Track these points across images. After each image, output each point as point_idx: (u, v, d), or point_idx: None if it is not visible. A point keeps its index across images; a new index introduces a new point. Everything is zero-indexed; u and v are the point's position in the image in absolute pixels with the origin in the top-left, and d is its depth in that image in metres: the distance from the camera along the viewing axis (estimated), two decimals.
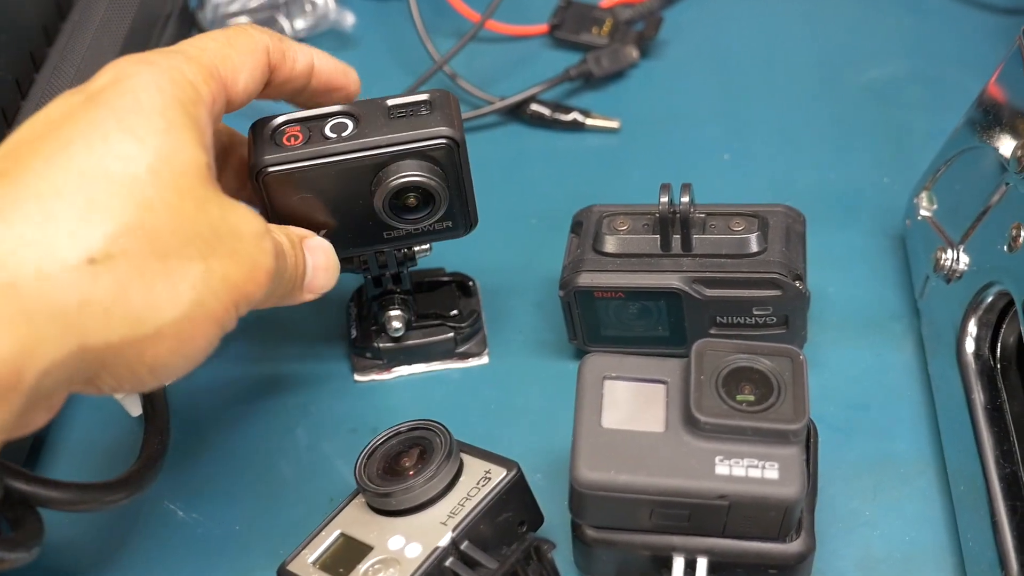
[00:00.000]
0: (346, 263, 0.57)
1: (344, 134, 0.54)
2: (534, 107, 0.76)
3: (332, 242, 0.54)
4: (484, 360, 0.64)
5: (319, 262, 0.52)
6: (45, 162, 0.42)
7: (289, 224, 0.53)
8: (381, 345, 0.63)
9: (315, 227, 0.54)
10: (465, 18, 0.79)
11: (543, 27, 0.81)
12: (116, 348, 0.42)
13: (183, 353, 0.44)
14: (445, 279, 0.65)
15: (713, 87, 0.79)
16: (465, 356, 0.64)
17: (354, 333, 0.64)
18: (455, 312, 0.63)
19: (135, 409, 0.58)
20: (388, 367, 0.64)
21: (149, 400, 0.57)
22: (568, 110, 0.76)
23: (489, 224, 0.68)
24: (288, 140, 0.53)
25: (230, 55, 0.50)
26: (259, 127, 0.54)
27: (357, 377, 0.64)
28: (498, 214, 0.70)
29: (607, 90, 0.79)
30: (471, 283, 0.65)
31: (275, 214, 0.54)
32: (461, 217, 0.58)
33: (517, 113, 0.77)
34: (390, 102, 0.55)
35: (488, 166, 0.74)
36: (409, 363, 0.64)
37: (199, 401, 0.64)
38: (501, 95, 0.77)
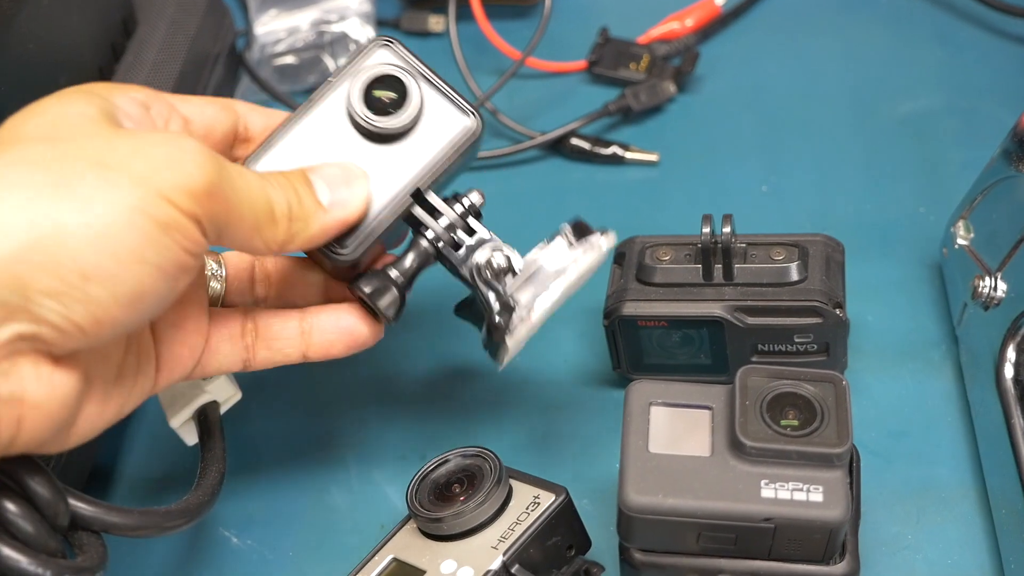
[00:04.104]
0: (414, 251, 0.54)
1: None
2: (574, 141, 0.78)
3: (373, 215, 0.53)
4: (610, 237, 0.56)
5: (330, 175, 0.52)
6: None
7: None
8: (506, 294, 0.54)
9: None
10: (506, 55, 0.81)
11: (582, 63, 0.83)
12: (23, 255, 0.41)
13: (111, 251, 0.43)
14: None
15: (750, 120, 0.80)
16: (586, 234, 0.55)
17: (483, 331, 0.56)
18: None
19: (191, 438, 0.60)
20: (531, 309, 0.53)
21: (206, 430, 0.58)
22: (608, 144, 0.78)
23: None
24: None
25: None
26: None
27: (509, 341, 0.54)
28: None
29: (645, 124, 0.80)
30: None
31: None
32: (458, 107, 0.55)
33: (558, 147, 0.78)
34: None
35: (530, 199, 0.76)
36: (544, 288, 0.54)
37: (252, 431, 0.65)
38: (542, 130, 0.78)
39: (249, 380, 0.63)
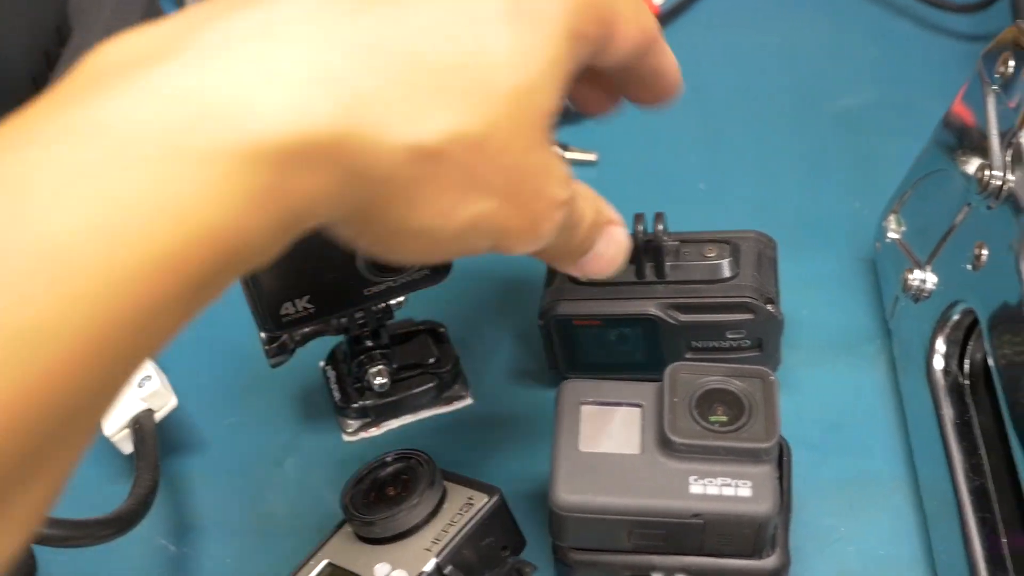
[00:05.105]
0: (322, 327, 0.59)
1: None
2: None
3: (314, 308, 0.55)
4: (468, 401, 0.65)
5: (607, 251, 0.48)
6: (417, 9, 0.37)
7: (275, 291, 0.54)
8: (368, 403, 0.63)
9: (297, 293, 0.55)
10: None
11: None
12: (361, 226, 0.38)
13: (408, 257, 0.41)
14: (416, 329, 0.65)
15: (688, 118, 0.80)
16: (450, 400, 0.65)
17: (337, 395, 0.64)
18: (433, 360, 0.64)
19: (127, 447, 0.60)
20: (376, 423, 0.64)
21: (140, 438, 0.58)
22: None
23: (471, 259, 0.70)
24: None
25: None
26: None
27: (346, 438, 0.64)
28: None
29: (584, 124, 0.80)
30: (442, 329, 0.65)
31: (255, 284, 0.54)
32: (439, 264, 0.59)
33: None
34: None
35: None
36: (396, 416, 0.64)
37: (188, 438, 0.65)
38: None
39: (185, 387, 0.63)
